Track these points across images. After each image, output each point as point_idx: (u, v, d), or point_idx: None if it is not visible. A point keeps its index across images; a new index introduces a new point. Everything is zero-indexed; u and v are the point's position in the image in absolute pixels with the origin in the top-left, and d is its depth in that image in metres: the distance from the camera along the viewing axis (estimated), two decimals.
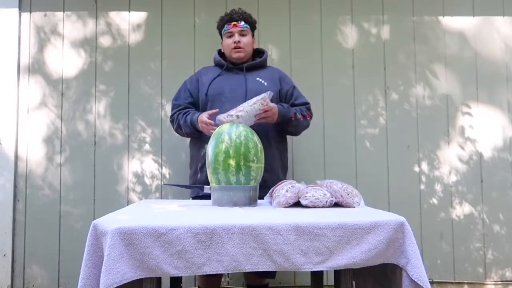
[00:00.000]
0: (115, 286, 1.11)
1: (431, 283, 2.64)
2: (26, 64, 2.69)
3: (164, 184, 2.61)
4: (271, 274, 2.23)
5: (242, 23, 2.20)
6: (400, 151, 2.75)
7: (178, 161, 2.69)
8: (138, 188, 2.67)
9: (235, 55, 2.18)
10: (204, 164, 2.05)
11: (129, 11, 2.76)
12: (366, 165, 2.73)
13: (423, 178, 2.74)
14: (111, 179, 2.66)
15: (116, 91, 2.71)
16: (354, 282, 1.39)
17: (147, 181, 2.68)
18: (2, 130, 2.62)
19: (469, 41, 2.82)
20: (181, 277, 1.99)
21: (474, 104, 2.79)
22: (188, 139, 2.29)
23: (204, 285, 2.15)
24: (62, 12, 2.73)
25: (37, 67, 2.69)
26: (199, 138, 2.14)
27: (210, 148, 1.63)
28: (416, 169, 2.75)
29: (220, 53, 2.30)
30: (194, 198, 2.15)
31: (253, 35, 2.27)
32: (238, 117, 1.78)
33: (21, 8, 2.71)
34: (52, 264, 2.61)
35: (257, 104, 1.85)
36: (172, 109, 2.23)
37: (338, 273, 1.34)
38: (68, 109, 2.69)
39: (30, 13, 2.71)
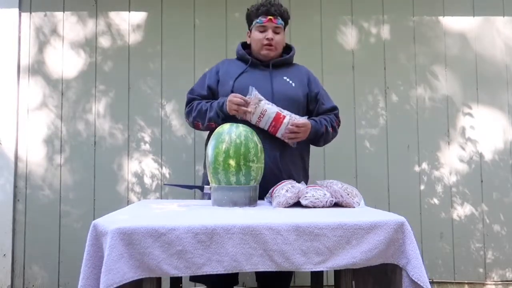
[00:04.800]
0: (115, 286, 1.11)
1: (431, 283, 2.63)
2: (26, 64, 2.69)
3: (164, 184, 2.61)
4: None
5: (279, 18, 1.96)
6: (400, 151, 2.75)
7: (178, 161, 2.68)
8: (138, 188, 2.67)
9: (264, 52, 1.96)
10: None
11: (129, 11, 2.75)
12: (366, 165, 2.73)
13: (424, 178, 2.74)
14: (111, 179, 2.66)
15: (116, 91, 2.71)
16: (354, 282, 1.39)
17: (147, 181, 2.68)
18: (2, 130, 2.62)
19: (469, 42, 2.82)
20: (181, 277, 1.99)
21: (474, 104, 2.78)
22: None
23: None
24: (62, 12, 2.73)
25: (37, 67, 2.69)
26: None
27: (210, 148, 1.63)
28: (416, 169, 2.74)
29: (243, 45, 2.06)
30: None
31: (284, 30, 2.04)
32: (265, 110, 1.80)
33: (21, 8, 2.71)
34: (52, 264, 2.60)
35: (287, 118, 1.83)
36: (188, 101, 2.01)
37: (338, 273, 1.34)
38: (68, 109, 2.68)
39: (30, 13, 2.71)
